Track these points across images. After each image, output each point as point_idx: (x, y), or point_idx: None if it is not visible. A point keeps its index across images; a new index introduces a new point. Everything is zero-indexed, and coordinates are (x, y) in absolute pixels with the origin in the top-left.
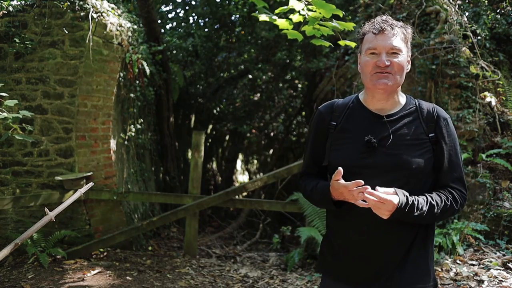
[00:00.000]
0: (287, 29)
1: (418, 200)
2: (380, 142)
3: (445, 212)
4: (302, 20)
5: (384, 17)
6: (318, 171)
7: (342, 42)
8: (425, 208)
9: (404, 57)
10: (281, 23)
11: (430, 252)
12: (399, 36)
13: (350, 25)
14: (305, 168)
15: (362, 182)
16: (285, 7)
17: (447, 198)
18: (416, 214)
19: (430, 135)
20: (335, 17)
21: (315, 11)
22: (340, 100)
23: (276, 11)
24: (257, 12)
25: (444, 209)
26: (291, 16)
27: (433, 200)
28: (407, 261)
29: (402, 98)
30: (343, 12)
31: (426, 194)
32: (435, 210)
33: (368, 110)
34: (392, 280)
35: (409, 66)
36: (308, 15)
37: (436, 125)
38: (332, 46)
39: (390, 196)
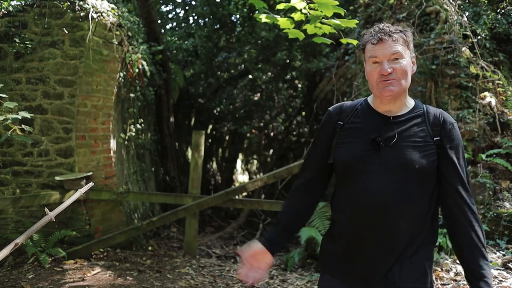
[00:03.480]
0: (288, 28)
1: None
2: (385, 142)
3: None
4: (303, 19)
5: (381, 25)
6: (315, 174)
7: (344, 40)
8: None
9: (407, 61)
10: (283, 22)
11: (430, 254)
12: (399, 42)
13: (352, 23)
14: (303, 170)
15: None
16: (287, 3)
17: (480, 227)
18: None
19: (435, 138)
20: (337, 15)
21: (316, 10)
22: (349, 102)
23: (278, 6)
24: (257, 12)
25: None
26: (292, 15)
27: (485, 249)
28: (405, 260)
29: (411, 102)
30: (345, 11)
31: (478, 242)
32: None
33: (375, 111)
34: (391, 278)
35: (415, 67)
36: (309, 13)
37: (442, 130)
38: (334, 43)
39: None
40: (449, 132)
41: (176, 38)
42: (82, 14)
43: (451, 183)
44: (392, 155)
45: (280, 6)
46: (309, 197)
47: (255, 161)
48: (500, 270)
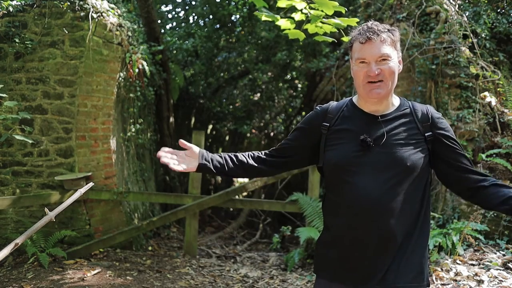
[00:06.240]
0: (289, 29)
1: None
2: (374, 141)
3: None
4: (304, 19)
5: (369, 24)
6: (276, 158)
7: (345, 39)
8: None
9: (395, 61)
10: (283, 23)
11: (425, 252)
12: (387, 42)
13: (353, 21)
14: (270, 150)
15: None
16: (288, 2)
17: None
18: None
19: (426, 134)
20: (338, 14)
21: (317, 9)
22: (335, 102)
23: (278, 3)
24: (258, 11)
25: None
26: (293, 15)
27: None
28: (402, 260)
29: (396, 100)
30: (346, 9)
31: None
32: None
33: (362, 111)
34: (387, 279)
35: (401, 66)
36: (310, 13)
37: (432, 124)
38: (336, 41)
39: None
40: (440, 124)
41: (176, 38)
42: (82, 14)
43: (459, 163)
44: (383, 155)
45: (281, 4)
46: (262, 166)
47: None
48: (500, 270)
